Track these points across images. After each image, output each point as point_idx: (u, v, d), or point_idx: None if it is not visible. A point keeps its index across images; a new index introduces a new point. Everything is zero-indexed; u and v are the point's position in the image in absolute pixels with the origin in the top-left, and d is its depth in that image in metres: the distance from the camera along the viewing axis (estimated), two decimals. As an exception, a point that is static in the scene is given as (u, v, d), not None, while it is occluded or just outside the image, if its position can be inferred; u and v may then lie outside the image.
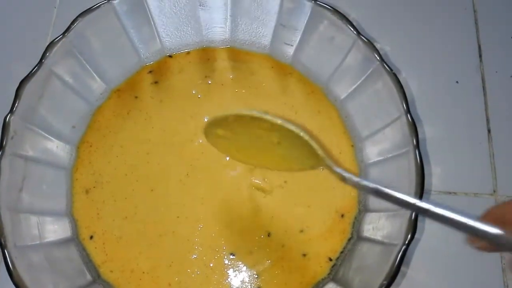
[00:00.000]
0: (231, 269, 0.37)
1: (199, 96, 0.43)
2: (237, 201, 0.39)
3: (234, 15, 0.42)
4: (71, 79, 0.39)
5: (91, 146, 0.41)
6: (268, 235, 0.38)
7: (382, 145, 0.39)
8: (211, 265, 0.37)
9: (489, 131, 0.44)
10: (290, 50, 0.43)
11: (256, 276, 0.37)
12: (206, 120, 0.42)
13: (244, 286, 0.37)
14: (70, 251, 0.37)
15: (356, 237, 0.38)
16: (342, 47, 0.39)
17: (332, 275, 0.37)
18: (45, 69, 0.36)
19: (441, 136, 0.43)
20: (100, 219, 0.39)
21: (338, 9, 0.38)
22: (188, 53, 0.45)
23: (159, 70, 0.44)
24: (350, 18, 0.38)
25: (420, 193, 0.33)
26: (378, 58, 0.37)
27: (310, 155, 0.31)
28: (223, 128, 0.33)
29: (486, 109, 0.45)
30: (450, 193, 0.42)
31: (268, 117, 0.31)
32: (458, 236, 0.23)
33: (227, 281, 0.37)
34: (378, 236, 0.36)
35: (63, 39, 0.37)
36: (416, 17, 0.48)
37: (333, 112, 0.42)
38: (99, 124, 0.42)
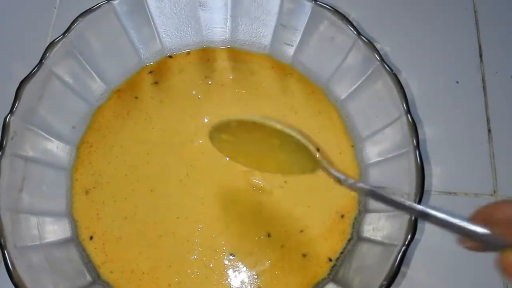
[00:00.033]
0: (231, 270, 0.37)
1: (199, 96, 0.43)
2: (237, 202, 0.39)
3: (234, 16, 0.42)
4: (71, 80, 0.39)
5: (91, 146, 0.41)
6: (268, 236, 0.38)
7: (382, 145, 0.39)
8: (211, 265, 0.37)
9: (489, 131, 0.44)
10: (290, 51, 0.43)
11: (256, 276, 0.37)
12: (206, 120, 0.42)
13: (244, 287, 0.37)
14: (70, 251, 0.37)
15: (356, 237, 0.38)
16: (342, 47, 0.39)
17: (332, 276, 0.37)
18: (45, 70, 0.36)
19: (441, 136, 0.43)
20: (100, 219, 0.39)
21: (338, 9, 0.38)
22: (188, 53, 0.45)
23: (159, 70, 0.44)
24: (350, 18, 0.38)
25: (420, 194, 0.33)
26: (378, 58, 0.36)
27: (309, 158, 0.32)
28: (227, 133, 0.35)
29: (486, 109, 0.45)
30: (450, 193, 0.42)
31: (267, 122, 0.31)
32: (458, 237, 0.23)
33: (227, 281, 0.37)
34: (378, 236, 0.36)
35: (63, 40, 0.37)
36: (416, 17, 0.48)
37: (333, 112, 0.42)
38: (99, 125, 0.42)
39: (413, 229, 0.32)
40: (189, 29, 0.43)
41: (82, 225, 0.38)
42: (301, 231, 0.39)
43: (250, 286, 0.37)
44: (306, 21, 0.40)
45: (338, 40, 0.39)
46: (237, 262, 0.38)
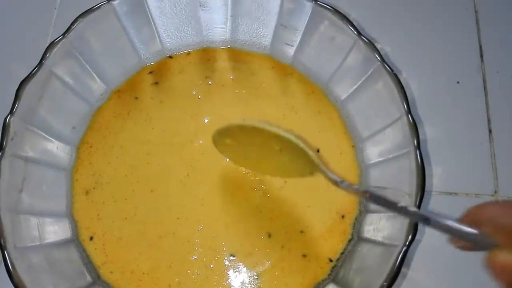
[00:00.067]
0: (231, 270, 0.37)
1: (199, 96, 0.43)
2: (237, 202, 0.39)
3: (235, 16, 0.42)
4: (71, 80, 0.39)
5: (91, 147, 0.41)
6: (269, 236, 0.38)
7: (382, 145, 0.39)
8: (211, 266, 0.37)
9: (490, 131, 0.44)
10: (291, 51, 0.43)
11: (256, 277, 0.37)
12: (206, 121, 0.42)
13: (244, 287, 0.37)
14: (70, 252, 0.37)
15: (356, 238, 0.38)
16: (343, 47, 0.39)
17: (333, 276, 0.37)
18: (45, 70, 0.36)
19: (442, 137, 0.43)
20: (100, 220, 0.39)
21: (339, 9, 0.38)
22: (188, 53, 0.45)
23: (160, 70, 0.44)
24: (350, 18, 0.38)
25: (421, 194, 0.33)
26: (378, 58, 0.36)
27: (308, 161, 0.33)
28: (230, 138, 0.36)
29: (487, 110, 0.44)
30: (451, 193, 0.42)
31: (266, 126, 0.32)
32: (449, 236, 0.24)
33: (227, 282, 0.37)
34: (378, 237, 0.36)
35: (63, 40, 0.37)
36: (416, 17, 0.48)
37: (334, 112, 0.42)
38: (99, 125, 0.42)
39: (413, 229, 0.32)
40: (189, 29, 0.43)
41: (82, 226, 0.38)
42: (302, 231, 0.39)
43: (251, 286, 0.37)
44: (306, 21, 0.40)
45: (339, 40, 0.39)
46: (238, 262, 0.38)
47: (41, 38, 0.46)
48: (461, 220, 0.23)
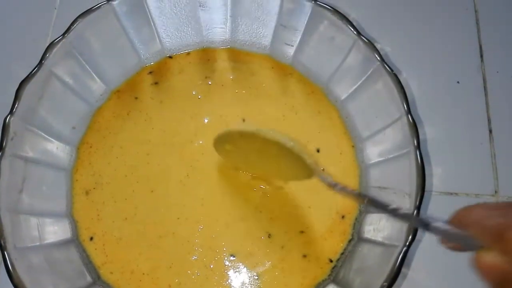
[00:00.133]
0: (231, 271, 0.37)
1: (199, 96, 0.43)
2: (237, 202, 0.39)
3: (234, 16, 0.42)
4: (71, 80, 0.39)
5: (91, 147, 0.41)
6: (269, 236, 0.38)
7: (382, 145, 0.39)
8: (211, 266, 0.37)
9: (490, 131, 0.44)
10: (291, 51, 0.43)
11: (256, 277, 0.37)
12: (206, 121, 0.42)
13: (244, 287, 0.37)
14: (70, 252, 0.37)
15: (356, 238, 0.38)
16: (343, 47, 0.39)
17: (333, 277, 0.37)
18: (45, 70, 0.36)
19: (442, 137, 0.43)
20: (100, 220, 0.39)
21: (338, 9, 0.38)
22: (188, 53, 0.45)
23: (159, 71, 0.44)
24: (350, 18, 0.38)
25: (421, 194, 0.33)
26: (378, 58, 0.36)
27: (305, 165, 0.33)
28: (230, 143, 0.37)
29: (487, 110, 0.44)
30: (451, 193, 0.42)
31: (263, 132, 0.33)
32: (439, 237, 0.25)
33: (227, 282, 0.37)
34: (378, 237, 0.36)
35: (63, 40, 0.37)
36: (416, 17, 0.48)
37: (334, 112, 0.42)
38: (99, 125, 0.42)
39: (414, 230, 0.32)
40: (189, 29, 0.43)
41: (82, 226, 0.38)
42: (302, 231, 0.39)
43: (251, 287, 0.37)
44: (306, 21, 0.40)
45: (338, 40, 0.39)
46: (238, 263, 0.38)
47: (41, 38, 0.46)
48: (449, 222, 0.24)
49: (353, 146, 0.41)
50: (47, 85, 0.37)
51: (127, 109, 0.42)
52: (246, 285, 0.37)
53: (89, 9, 0.38)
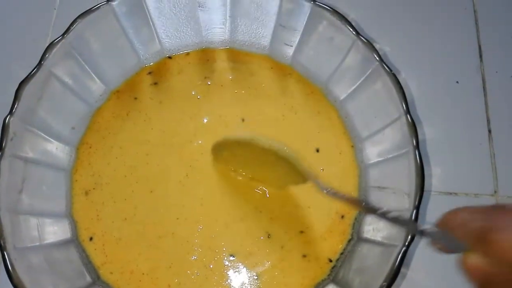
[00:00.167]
0: (231, 271, 0.37)
1: (198, 97, 0.43)
2: (237, 202, 0.39)
3: (234, 16, 0.42)
4: (70, 81, 0.39)
5: (90, 147, 0.41)
6: (268, 236, 0.38)
7: (382, 145, 0.39)
8: (211, 266, 0.37)
9: (489, 131, 0.44)
10: (290, 51, 0.43)
11: (256, 277, 0.37)
12: (205, 121, 0.42)
13: (244, 288, 0.37)
14: (70, 252, 0.37)
15: (356, 238, 0.38)
16: (342, 47, 0.39)
17: (332, 276, 0.37)
18: (44, 71, 0.36)
19: (441, 137, 0.43)
20: (100, 220, 0.39)
21: (337, 10, 0.38)
22: (187, 54, 0.45)
23: (159, 71, 0.44)
24: (349, 19, 0.38)
25: (420, 194, 0.33)
26: (377, 58, 0.36)
27: (300, 171, 0.34)
28: (227, 151, 0.37)
29: (486, 110, 0.44)
30: (450, 193, 0.42)
31: (255, 140, 0.35)
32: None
33: (227, 282, 0.37)
34: (378, 237, 0.36)
35: (63, 41, 0.37)
36: (415, 17, 0.48)
37: (333, 112, 0.42)
38: (99, 126, 0.42)
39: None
40: (189, 29, 0.43)
41: (82, 226, 0.38)
42: (301, 231, 0.39)
43: (250, 287, 0.37)
44: (305, 22, 0.40)
45: (337, 40, 0.39)
46: (237, 263, 0.38)
47: (41, 38, 0.46)
48: (437, 225, 0.25)
49: (352, 146, 0.41)
50: (46, 85, 0.37)
51: (127, 110, 0.42)
52: (246, 285, 0.37)
53: (88, 9, 0.38)
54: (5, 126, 0.34)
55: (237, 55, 0.44)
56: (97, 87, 0.42)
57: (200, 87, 0.43)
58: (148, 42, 0.43)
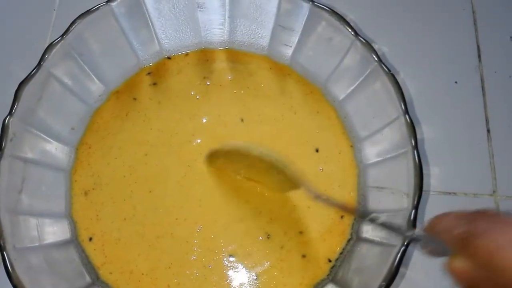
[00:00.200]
0: (230, 271, 0.37)
1: (197, 97, 0.43)
2: (236, 203, 0.39)
3: (233, 17, 0.42)
4: (70, 81, 0.40)
5: (90, 148, 0.41)
6: (268, 237, 0.38)
7: (380, 145, 0.39)
8: (210, 266, 0.37)
9: (488, 131, 0.44)
10: (289, 51, 0.43)
11: (255, 277, 0.37)
12: (204, 121, 0.42)
13: None
14: (69, 252, 0.37)
15: (355, 238, 0.38)
16: (340, 48, 0.39)
17: (332, 276, 0.37)
18: (44, 71, 0.36)
19: (440, 137, 0.43)
20: (99, 220, 0.39)
21: (336, 10, 0.38)
22: (186, 54, 0.45)
23: (158, 71, 0.44)
24: (348, 19, 0.38)
25: (419, 194, 0.33)
26: (376, 58, 0.37)
27: (292, 178, 0.35)
28: (223, 158, 0.38)
29: (485, 109, 0.45)
30: (449, 193, 0.42)
31: (244, 148, 0.35)
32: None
33: (226, 282, 0.37)
34: (377, 237, 0.36)
35: (62, 41, 0.37)
36: (414, 18, 0.48)
37: (332, 112, 0.42)
38: (98, 126, 0.42)
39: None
40: (188, 30, 0.43)
41: (81, 226, 0.39)
42: (301, 232, 0.39)
43: (250, 287, 0.37)
44: (304, 22, 0.40)
45: (336, 40, 0.39)
46: (237, 263, 0.38)
47: (40, 39, 0.46)
48: (424, 230, 0.26)
49: (351, 146, 0.41)
50: (46, 86, 0.37)
51: (126, 110, 0.42)
52: (245, 285, 0.37)
53: (88, 10, 0.38)
54: (4, 126, 0.34)
55: (236, 56, 0.45)
56: (96, 87, 0.42)
57: (199, 87, 0.43)
58: (147, 43, 0.43)
